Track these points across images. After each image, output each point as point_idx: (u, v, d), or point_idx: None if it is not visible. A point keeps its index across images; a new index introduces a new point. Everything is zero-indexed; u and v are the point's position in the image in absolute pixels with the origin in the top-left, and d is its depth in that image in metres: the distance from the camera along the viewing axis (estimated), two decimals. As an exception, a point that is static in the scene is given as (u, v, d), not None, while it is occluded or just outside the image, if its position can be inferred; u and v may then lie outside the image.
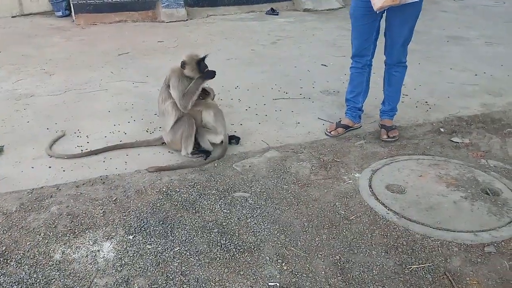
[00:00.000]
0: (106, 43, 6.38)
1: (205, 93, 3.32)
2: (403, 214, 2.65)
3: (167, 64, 4.73)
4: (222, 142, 3.32)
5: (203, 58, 3.18)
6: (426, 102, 4.31)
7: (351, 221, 2.61)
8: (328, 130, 3.64)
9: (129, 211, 2.68)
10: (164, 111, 3.24)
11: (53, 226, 2.55)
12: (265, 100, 4.35)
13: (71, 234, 2.49)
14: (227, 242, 2.43)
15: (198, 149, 3.31)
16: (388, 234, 2.50)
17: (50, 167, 3.15)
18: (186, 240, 2.44)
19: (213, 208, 2.71)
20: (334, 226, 2.56)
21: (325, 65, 5.41)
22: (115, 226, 2.55)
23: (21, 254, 2.34)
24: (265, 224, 2.57)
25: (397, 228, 2.54)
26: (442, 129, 3.77)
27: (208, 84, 3.31)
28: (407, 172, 3.09)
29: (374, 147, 3.46)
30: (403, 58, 3.43)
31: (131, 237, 2.47)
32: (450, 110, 4.14)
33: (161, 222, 2.58)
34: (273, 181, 2.98)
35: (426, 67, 5.26)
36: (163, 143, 3.41)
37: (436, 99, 4.38)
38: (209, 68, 3.21)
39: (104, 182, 2.97)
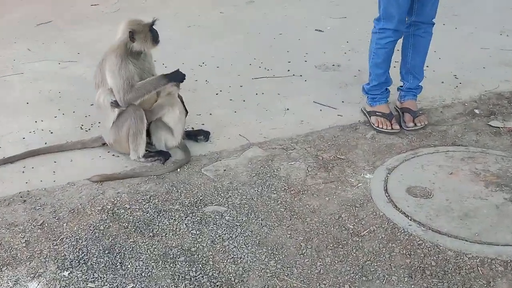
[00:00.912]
0: (18, 10, 6.28)
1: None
2: (430, 225, 2.69)
3: (105, 35, 4.69)
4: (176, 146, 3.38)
5: (154, 22, 3.17)
6: (455, 75, 4.38)
7: (362, 237, 2.64)
8: (387, 127, 3.55)
9: (62, 239, 2.66)
10: (99, 102, 3.22)
11: (-42, 263, 2.52)
12: (241, 80, 4.36)
13: (-17, 274, 2.46)
14: (198, 274, 2.44)
15: (152, 151, 3.32)
16: (412, 253, 2.54)
17: (-52, 182, 3.11)
18: (143, 274, 2.44)
19: (177, 229, 2.71)
20: (340, 246, 2.59)
21: (320, 30, 5.44)
22: (43, 260, 2.53)
23: None
24: (249, 247, 2.58)
25: (423, 244, 2.59)
26: (476, 111, 3.84)
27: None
28: (434, 169, 3.14)
29: (389, 138, 3.50)
30: (435, 14, 3.53)
31: (66, 273, 2.45)
32: (487, 85, 4.21)
33: (106, 251, 2.57)
34: (256, 189, 3.00)
35: (451, 28, 5.33)
36: (104, 143, 3.39)
37: (468, 71, 4.46)
38: (160, 36, 3.20)
39: (25, 201, 2.94)
